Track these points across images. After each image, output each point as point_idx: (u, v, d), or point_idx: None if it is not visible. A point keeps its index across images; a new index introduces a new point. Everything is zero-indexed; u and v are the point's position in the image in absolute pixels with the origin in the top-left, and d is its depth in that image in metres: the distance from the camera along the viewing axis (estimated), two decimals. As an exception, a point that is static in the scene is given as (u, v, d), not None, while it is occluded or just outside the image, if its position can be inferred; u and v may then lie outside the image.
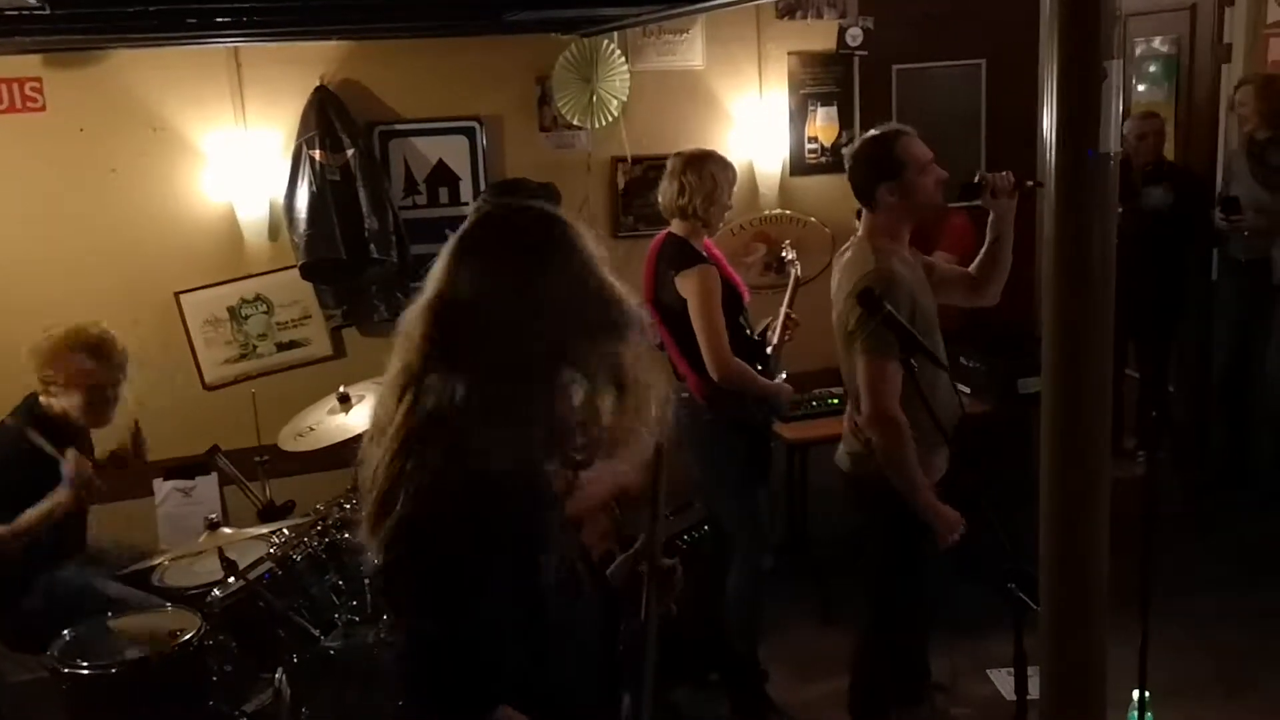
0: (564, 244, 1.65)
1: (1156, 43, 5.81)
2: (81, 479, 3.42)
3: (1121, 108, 2.01)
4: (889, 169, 3.10)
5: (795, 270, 4.17)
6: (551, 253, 1.64)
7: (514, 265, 1.61)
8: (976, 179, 3.18)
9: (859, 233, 3.25)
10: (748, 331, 3.86)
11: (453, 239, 1.66)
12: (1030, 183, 2.45)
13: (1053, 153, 1.99)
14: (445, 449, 1.53)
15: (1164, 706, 3.17)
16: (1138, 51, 5.90)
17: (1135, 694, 2.98)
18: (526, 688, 1.57)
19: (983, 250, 3.31)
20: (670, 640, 1.89)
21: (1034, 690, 2.31)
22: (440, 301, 1.61)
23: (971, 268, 3.35)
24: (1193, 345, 5.62)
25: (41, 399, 3.60)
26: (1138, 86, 5.93)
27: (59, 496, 3.42)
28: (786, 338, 3.95)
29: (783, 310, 3.97)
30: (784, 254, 4.31)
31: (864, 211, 3.24)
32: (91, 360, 3.54)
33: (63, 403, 3.57)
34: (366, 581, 3.51)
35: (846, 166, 3.27)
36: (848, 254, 3.26)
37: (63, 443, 3.54)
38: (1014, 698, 2.39)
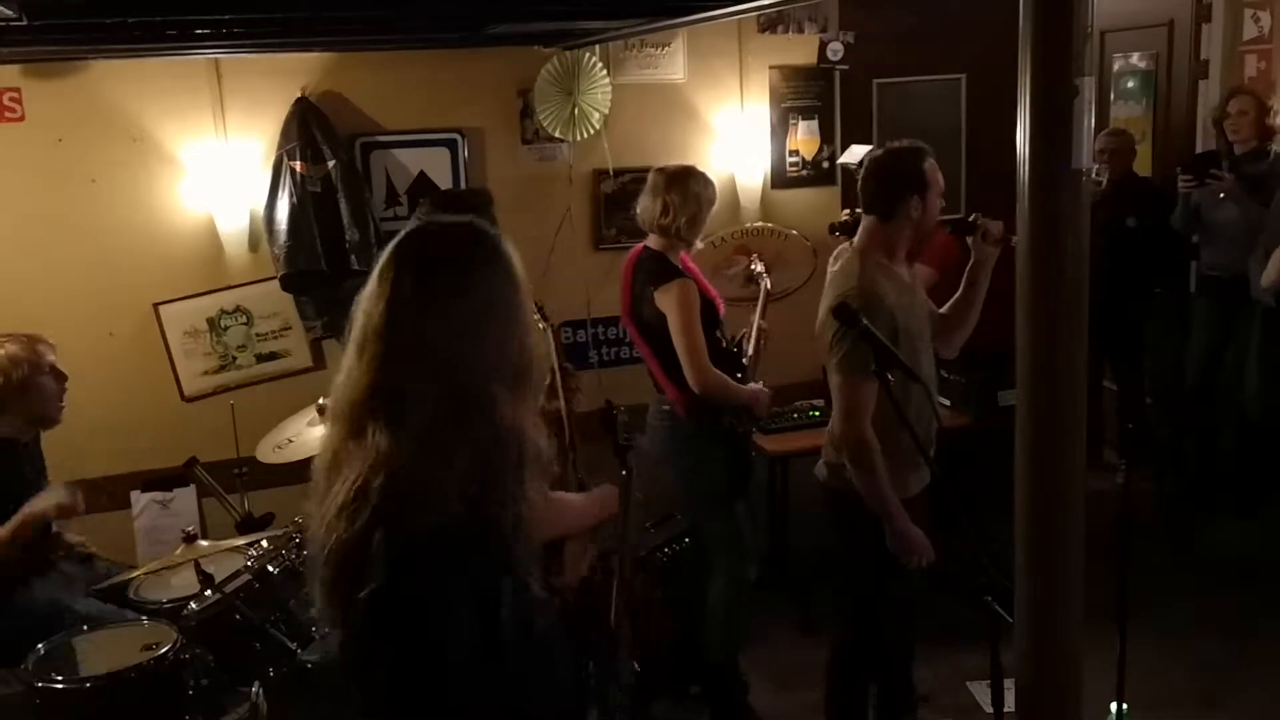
0: (492, 260, 1.69)
1: (1134, 58, 5.86)
2: (64, 509, 3.41)
3: (1093, 123, 2.02)
4: (920, 183, 3.13)
5: (764, 284, 4.21)
6: (481, 268, 1.68)
7: (444, 284, 1.65)
8: (972, 218, 3.24)
9: (854, 243, 3.24)
10: (724, 343, 3.87)
11: (382, 257, 1.67)
12: (1014, 238, 2.50)
13: (1026, 168, 2.01)
14: (396, 493, 1.56)
15: (1142, 718, 3.18)
16: (1116, 67, 5.95)
17: (1113, 706, 2.99)
18: (496, 705, 1.57)
19: (957, 294, 3.33)
20: (649, 653, 1.89)
21: (1011, 703, 2.31)
22: (382, 328, 1.66)
23: (944, 309, 3.38)
24: (1169, 358, 5.65)
25: None
26: (1115, 102, 5.98)
27: (41, 504, 3.41)
28: (761, 344, 3.97)
29: (755, 322, 3.99)
30: (754, 267, 4.34)
31: (865, 222, 3.22)
32: (38, 372, 3.46)
33: (7, 424, 3.51)
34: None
35: (862, 175, 3.25)
36: (838, 265, 3.27)
37: (12, 463, 3.51)
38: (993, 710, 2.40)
